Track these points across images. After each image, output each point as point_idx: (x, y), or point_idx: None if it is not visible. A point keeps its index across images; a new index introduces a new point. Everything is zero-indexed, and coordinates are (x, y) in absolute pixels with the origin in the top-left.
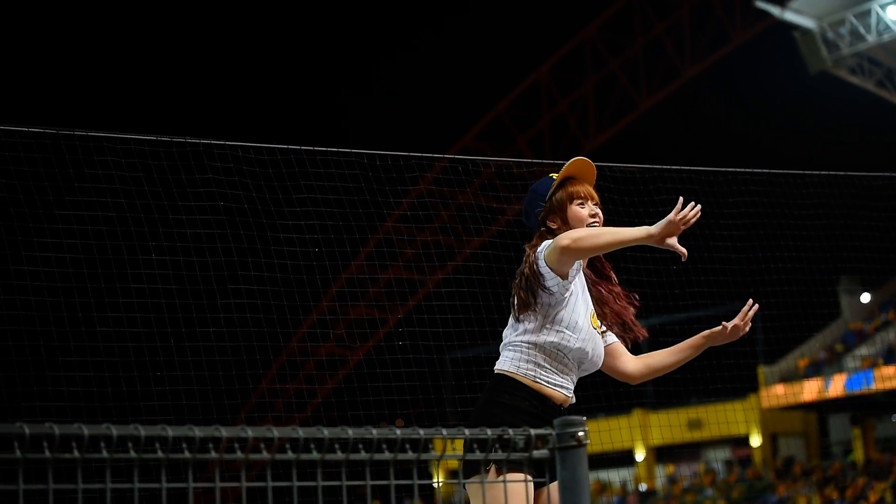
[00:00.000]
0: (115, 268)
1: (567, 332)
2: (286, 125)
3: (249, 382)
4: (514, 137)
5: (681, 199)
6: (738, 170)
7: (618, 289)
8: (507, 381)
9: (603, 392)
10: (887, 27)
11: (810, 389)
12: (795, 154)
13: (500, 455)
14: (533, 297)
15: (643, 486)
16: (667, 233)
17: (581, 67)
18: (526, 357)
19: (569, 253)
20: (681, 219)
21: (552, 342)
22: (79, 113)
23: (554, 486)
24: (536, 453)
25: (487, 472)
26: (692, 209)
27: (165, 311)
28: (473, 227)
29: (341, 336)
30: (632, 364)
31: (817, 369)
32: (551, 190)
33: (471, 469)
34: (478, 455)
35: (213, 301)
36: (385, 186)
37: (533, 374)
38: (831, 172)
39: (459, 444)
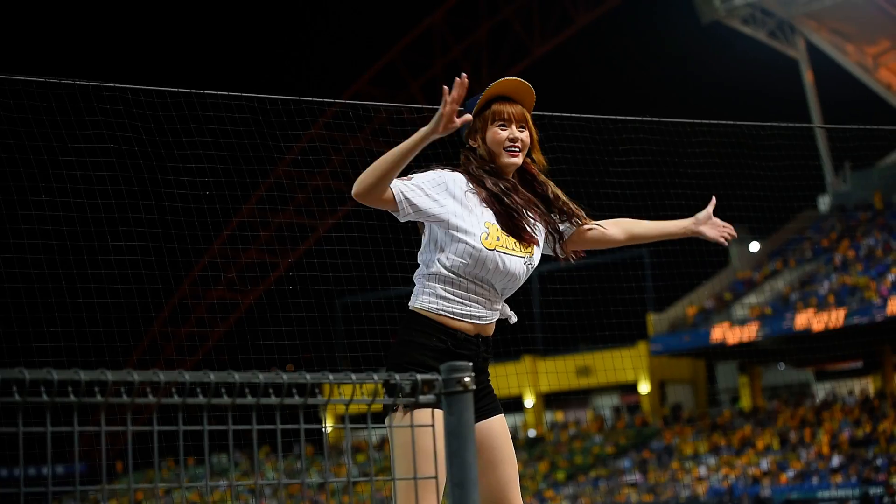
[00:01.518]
0: (4, 209)
1: (455, 257)
2: (179, 68)
3: (141, 325)
4: (408, 83)
5: (444, 87)
6: (627, 118)
7: (544, 187)
8: (413, 317)
9: (492, 338)
10: None
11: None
12: (686, 103)
13: (388, 400)
14: (417, 226)
15: (532, 433)
16: (443, 124)
17: (475, 13)
18: (427, 289)
19: (361, 199)
20: (450, 102)
21: (443, 269)
22: None
23: (492, 420)
24: (423, 398)
25: (395, 412)
26: (455, 89)
27: (56, 253)
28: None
29: (233, 280)
30: (611, 230)
31: (706, 317)
32: (476, 107)
33: (385, 411)
34: (364, 400)
35: (104, 243)
36: (276, 130)
37: (436, 306)
38: (720, 122)
39: (347, 388)
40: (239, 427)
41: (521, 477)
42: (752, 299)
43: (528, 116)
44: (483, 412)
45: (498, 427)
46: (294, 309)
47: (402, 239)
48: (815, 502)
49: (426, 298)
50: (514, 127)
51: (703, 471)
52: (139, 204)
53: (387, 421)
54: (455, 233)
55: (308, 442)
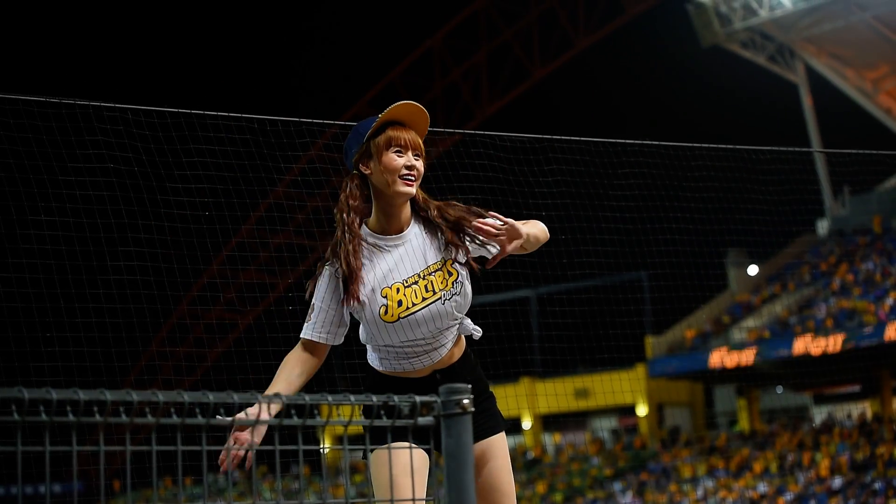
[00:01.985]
0: (3, 228)
1: (370, 336)
2: (179, 89)
3: (139, 345)
4: None
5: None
6: (628, 141)
7: (439, 213)
8: (370, 372)
9: (491, 360)
10: (780, 2)
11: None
12: (685, 126)
13: (386, 422)
14: None
15: (530, 454)
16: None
17: (475, 36)
18: (372, 356)
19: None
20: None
21: (368, 344)
22: None
23: (487, 443)
24: (421, 420)
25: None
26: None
27: (55, 273)
28: None
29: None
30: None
31: (704, 340)
32: (370, 131)
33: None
34: (363, 421)
35: (103, 263)
36: (276, 151)
37: (381, 366)
38: (720, 146)
39: (345, 410)
40: (237, 448)
41: (519, 499)
42: (750, 323)
43: (422, 145)
44: (478, 433)
45: (487, 451)
46: (292, 330)
47: None
48: None
49: (370, 355)
50: (410, 154)
51: (700, 493)
52: (138, 224)
53: (369, 461)
54: (362, 318)
55: (306, 462)
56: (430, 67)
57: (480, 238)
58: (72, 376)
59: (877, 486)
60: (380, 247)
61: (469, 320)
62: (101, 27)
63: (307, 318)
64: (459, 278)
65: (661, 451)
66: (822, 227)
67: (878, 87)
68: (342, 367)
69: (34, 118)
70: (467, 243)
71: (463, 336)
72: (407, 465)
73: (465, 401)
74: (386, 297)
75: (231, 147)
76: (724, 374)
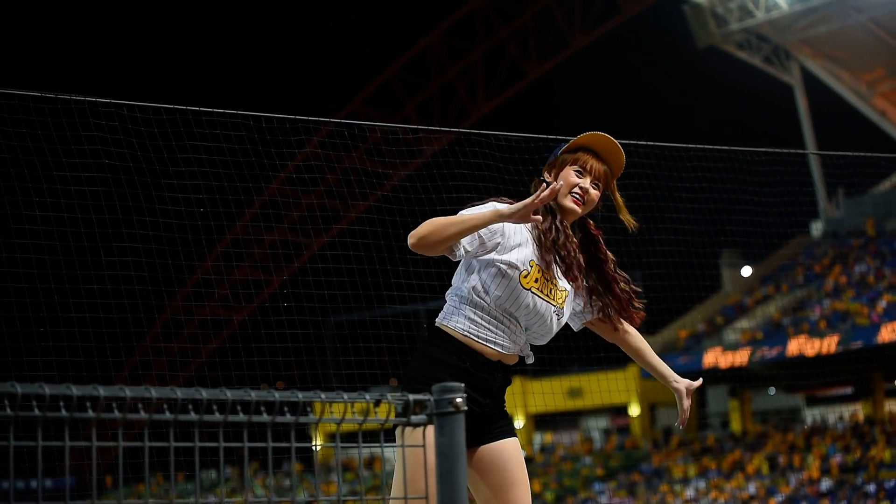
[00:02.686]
0: None
1: (492, 287)
2: (174, 85)
3: (133, 340)
4: (403, 103)
5: (543, 183)
6: (622, 141)
7: (611, 273)
8: (438, 334)
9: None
10: (776, 4)
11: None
12: (680, 127)
13: (378, 420)
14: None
15: (522, 454)
16: (520, 214)
17: (471, 35)
18: (457, 309)
19: (416, 249)
20: (537, 201)
21: (476, 295)
22: None
23: (505, 442)
24: (414, 419)
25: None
26: (547, 190)
27: (49, 268)
28: (359, 192)
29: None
30: (630, 338)
31: (697, 341)
32: (567, 147)
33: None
34: (355, 419)
35: (97, 258)
36: (271, 148)
37: (463, 327)
38: (715, 146)
39: (338, 407)
40: (230, 444)
41: None
42: (743, 324)
43: (611, 179)
44: (497, 434)
45: (511, 449)
46: (286, 326)
47: (395, 258)
48: None
49: (455, 318)
50: (588, 179)
51: (691, 494)
52: (133, 220)
53: (400, 437)
54: (498, 265)
55: (298, 459)
56: (426, 66)
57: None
58: (65, 371)
59: (868, 488)
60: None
61: (529, 346)
62: (96, 23)
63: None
64: (566, 308)
65: (653, 451)
66: (817, 228)
67: (873, 89)
68: (336, 365)
69: (29, 113)
70: (591, 303)
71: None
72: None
73: (458, 399)
74: (530, 267)
75: (226, 143)
76: (717, 375)
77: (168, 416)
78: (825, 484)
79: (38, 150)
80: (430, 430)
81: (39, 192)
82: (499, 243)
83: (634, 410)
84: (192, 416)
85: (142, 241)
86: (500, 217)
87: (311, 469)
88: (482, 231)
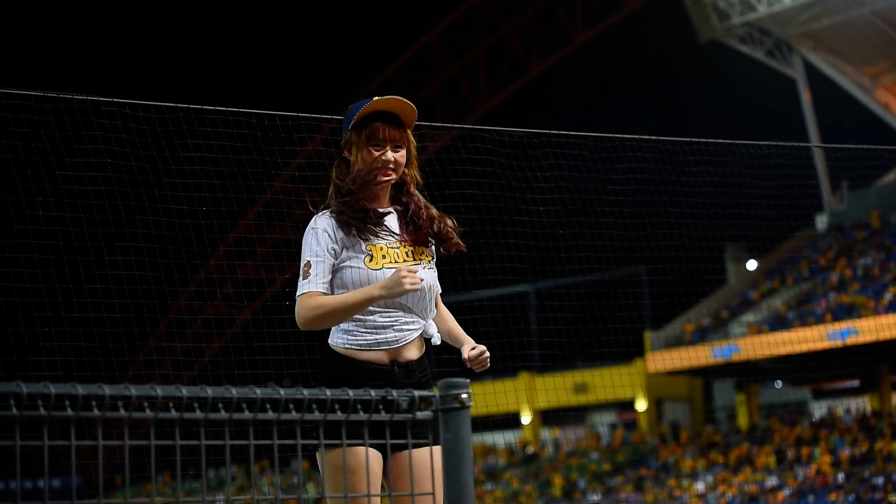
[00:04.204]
0: (1, 223)
1: (347, 287)
2: (177, 84)
3: (137, 340)
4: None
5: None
6: (626, 136)
7: (421, 210)
8: (326, 354)
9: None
10: None
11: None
12: (683, 121)
13: (384, 416)
14: None
15: (529, 449)
16: (395, 291)
17: (473, 31)
18: (335, 328)
19: (301, 326)
20: (404, 274)
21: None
22: None
23: (418, 451)
24: (420, 414)
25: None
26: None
27: (53, 267)
28: None
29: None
30: (440, 308)
31: (703, 335)
32: (352, 122)
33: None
34: (361, 416)
35: (101, 258)
36: (274, 146)
37: (342, 341)
38: (718, 140)
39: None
40: (236, 442)
41: (517, 494)
42: (749, 317)
43: (407, 134)
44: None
45: (424, 457)
46: (291, 325)
47: None
48: None
49: (335, 333)
50: (388, 148)
51: (699, 488)
52: (136, 219)
53: (318, 458)
54: (343, 265)
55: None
56: (429, 63)
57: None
58: (70, 371)
59: (876, 480)
60: None
61: (432, 323)
62: (98, 22)
63: (302, 276)
64: (433, 261)
65: (660, 445)
66: (821, 222)
67: (876, 82)
68: None
69: (31, 112)
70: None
71: (423, 340)
72: (362, 468)
73: (464, 395)
74: (370, 251)
75: (229, 142)
76: (724, 369)
77: (174, 414)
78: (833, 477)
79: (41, 150)
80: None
81: (43, 191)
82: (335, 256)
83: (641, 405)
84: (198, 414)
85: (145, 241)
86: (378, 296)
87: (318, 467)
88: (324, 263)
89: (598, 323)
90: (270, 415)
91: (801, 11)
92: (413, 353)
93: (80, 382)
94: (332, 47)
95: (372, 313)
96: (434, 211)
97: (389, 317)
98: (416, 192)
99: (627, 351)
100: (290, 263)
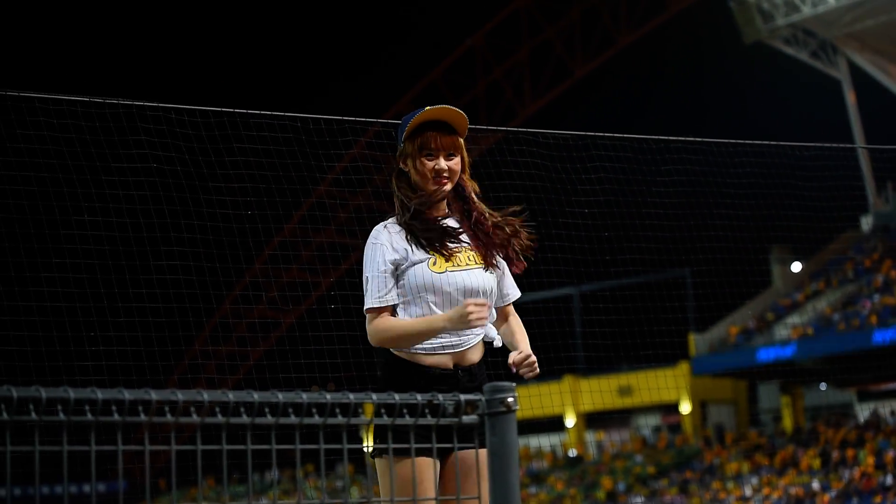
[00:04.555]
0: (48, 228)
1: (410, 291)
2: (221, 88)
3: (182, 344)
4: (449, 103)
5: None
6: (670, 138)
7: (484, 216)
8: (389, 360)
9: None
10: None
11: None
12: (728, 123)
13: (430, 420)
14: None
15: (573, 452)
16: (460, 325)
17: (517, 34)
18: None
19: (372, 344)
20: (476, 318)
21: (405, 307)
22: (10, 72)
23: (463, 453)
24: (466, 419)
25: (383, 458)
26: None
27: (99, 273)
28: None
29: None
30: (510, 316)
31: (748, 337)
32: (405, 133)
33: (378, 450)
34: (408, 420)
35: (146, 262)
36: (319, 150)
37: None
38: (763, 142)
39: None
40: (281, 447)
41: (562, 497)
42: (794, 319)
43: (459, 142)
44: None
45: (471, 461)
46: (335, 328)
47: None
48: None
49: None
50: (441, 157)
51: (745, 491)
52: (181, 223)
53: (377, 466)
54: (408, 268)
55: (350, 461)
56: (473, 66)
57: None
58: (115, 376)
59: None
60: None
61: (492, 326)
62: (144, 27)
63: (365, 291)
64: (497, 266)
65: (705, 448)
66: (866, 223)
67: None
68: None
69: (77, 118)
70: (499, 260)
71: (483, 343)
72: (430, 480)
73: (510, 399)
74: (433, 255)
75: (274, 146)
76: (769, 371)
77: (220, 419)
78: (878, 480)
79: (87, 155)
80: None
81: (89, 197)
82: (397, 266)
83: (685, 408)
84: (245, 418)
85: (190, 245)
86: (442, 328)
87: (364, 471)
88: (387, 277)
89: (642, 325)
90: (316, 419)
91: (846, 12)
92: (476, 357)
93: (126, 387)
94: (377, 51)
95: (437, 313)
96: (498, 217)
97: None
98: (476, 198)
99: (672, 353)
100: (334, 267)
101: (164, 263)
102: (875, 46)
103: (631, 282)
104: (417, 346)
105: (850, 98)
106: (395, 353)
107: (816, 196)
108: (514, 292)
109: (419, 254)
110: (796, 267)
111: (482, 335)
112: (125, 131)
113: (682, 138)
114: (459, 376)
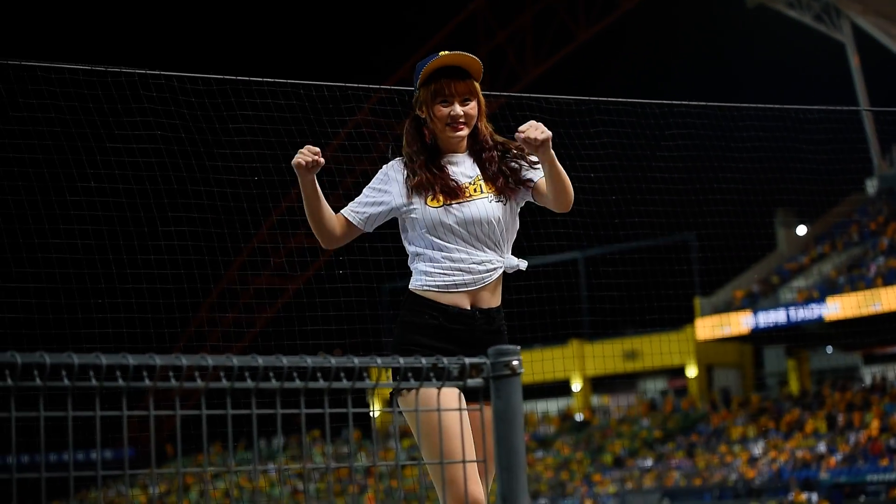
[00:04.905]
0: (54, 195)
1: (417, 228)
2: (224, 55)
3: (188, 311)
4: None
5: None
6: (674, 102)
7: (492, 153)
8: (407, 298)
9: (539, 322)
10: None
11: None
12: (732, 87)
13: (436, 384)
14: None
15: (579, 416)
16: (300, 173)
17: None
18: (415, 268)
19: (331, 247)
20: (305, 164)
21: (415, 246)
22: (12, 41)
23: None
24: (471, 382)
25: (402, 395)
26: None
27: (105, 239)
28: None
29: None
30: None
31: (753, 301)
32: (419, 80)
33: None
34: (413, 384)
35: (153, 229)
36: (323, 116)
37: (422, 283)
38: (767, 105)
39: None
40: (287, 411)
41: (569, 461)
42: (799, 283)
43: (475, 87)
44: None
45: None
46: (342, 294)
47: None
48: (863, 485)
49: (414, 278)
50: (456, 103)
51: (751, 454)
52: (187, 189)
53: (399, 403)
54: (408, 209)
55: (356, 426)
56: (475, 31)
57: (519, 156)
58: (121, 342)
59: None
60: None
61: (511, 257)
62: None
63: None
64: (506, 196)
65: (711, 412)
66: (871, 186)
67: None
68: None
69: (81, 87)
70: (514, 170)
71: (500, 284)
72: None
73: (515, 362)
74: (432, 192)
75: (278, 112)
76: (774, 335)
77: (225, 384)
78: (885, 443)
79: (90, 123)
80: (445, 392)
81: (94, 164)
82: (391, 195)
83: (692, 371)
84: (249, 383)
85: (197, 211)
86: (302, 186)
87: (370, 436)
88: (367, 195)
89: (648, 289)
90: (322, 383)
91: None
92: (494, 300)
93: (131, 353)
94: (378, 16)
95: (444, 255)
96: (509, 145)
97: (464, 252)
98: (490, 141)
99: (677, 318)
100: None
101: (172, 229)
102: (878, 9)
103: (636, 246)
104: (431, 282)
105: (854, 61)
106: (413, 291)
107: (821, 159)
108: (537, 172)
109: (417, 194)
110: (801, 230)
111: (499, 272)
112: (128, 99)
113: (686, 102)
114: (477, 317)
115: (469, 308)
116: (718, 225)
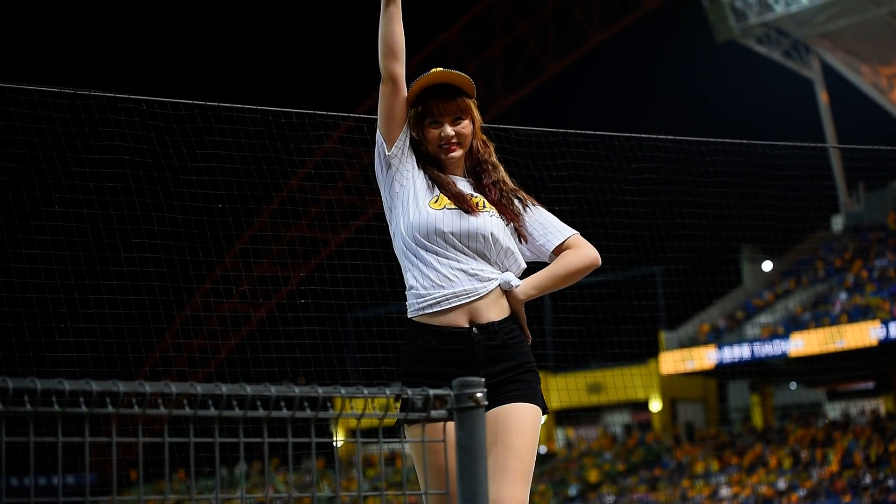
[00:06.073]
0: (17, 219)
1: (411, 223)
2: (194, 81)
3: (153, 337)
4: None
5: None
6: (641, 136)
7: (494, 181)
8: (408, 326)
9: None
10: None
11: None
12: (700, 122)
13: (398, 415)
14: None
15: (543, 449)
16: None
17: (490, 29)
18: (408, 292)
19: (390, 72)
20: None
21: (407, 249)
22: None
23: (509, 407)
24: (434, 413)
25: (410, 426)
26: None
27: (69, 264)
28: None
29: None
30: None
31: (718, 335)
32: (409, 98)
33: (399, 424)
34: (376, 414)
35: (117, 255)
36: (291, 144)
37: (413, 307)
38: (734, 140)
39: (358, 403)
40: (250, 440)
41: (532, 493)
42: (764, 318)
43: (467, 104)
44: (502, 398)
45: (509, 413)
46: (306, 323)
47: None
48: None
49: (409, 303)
50: (446, 123)
51: (714, 489)
52: (152, 216)
53: (406, 434)
54: (406, 200)
55: (319, 455)
56: (445, 61)
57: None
58: (85, 367)
59: (890, 482)
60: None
61: (511, 275)
62: (114, 18)
63: None
64: (506, 218)
65: (675, 446)
66: (837, 223)
67: (893, 82)
68: (355, 361)
69: (48, 109)
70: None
71: (507, 301)
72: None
73: (479, 394)
74: (437, 194)
75: (245, 139)
76: (738, 370)
77: (188, 411)
78: (847, 479)
79: (57, 146)
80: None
81: (59, 188)
82: (408, 164)
83: (655, 406)
84: (212, 411)
85: (161, 237)
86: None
87: (332, 465)
88: (406, 145)
89: (612, 323)
90: (285, 412)
91: (819, 12)
92: (494, 313)
93: (95, 379)
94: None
95: (439, 261)
96: (509, 188)
97: (454, 260)
98: (491, 163)
99: (642, 352)
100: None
101: (136, 256)
102: (847, 46)
103: (601, 279)
104: (424, 303)
105: (823, 98)
106: (411, 319)
107: (788, 195)
108: (554, 239)
109: (423, 189)
110: (767, 266)
111: (496, 284)
112: (96, 122)
113: (654, 136)
114: (474, 334)
115: (466, 326)
116: (684, 259)
